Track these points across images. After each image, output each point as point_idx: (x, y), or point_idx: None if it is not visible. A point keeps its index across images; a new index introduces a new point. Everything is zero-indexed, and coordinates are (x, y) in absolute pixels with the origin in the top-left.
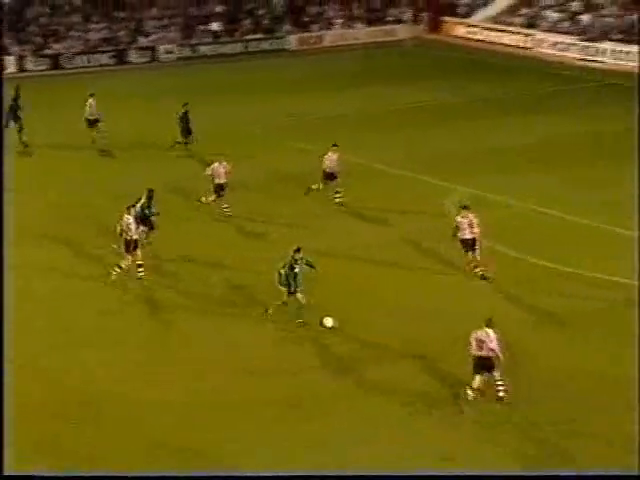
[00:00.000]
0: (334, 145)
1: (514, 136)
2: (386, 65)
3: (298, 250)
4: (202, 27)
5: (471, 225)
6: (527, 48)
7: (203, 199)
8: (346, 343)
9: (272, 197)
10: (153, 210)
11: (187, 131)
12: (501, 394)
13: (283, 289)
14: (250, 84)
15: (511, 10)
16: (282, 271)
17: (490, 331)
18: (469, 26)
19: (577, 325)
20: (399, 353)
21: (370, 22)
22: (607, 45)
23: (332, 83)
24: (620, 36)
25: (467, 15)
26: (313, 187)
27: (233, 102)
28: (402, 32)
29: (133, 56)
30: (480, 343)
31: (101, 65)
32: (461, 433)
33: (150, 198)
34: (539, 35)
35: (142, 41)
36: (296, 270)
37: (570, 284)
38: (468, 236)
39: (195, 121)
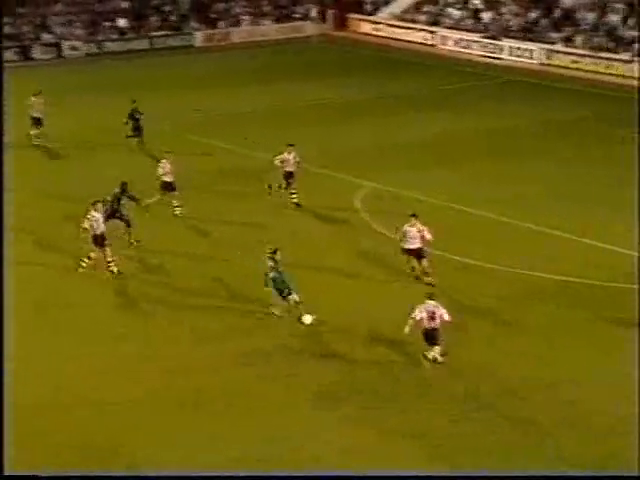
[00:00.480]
0: (290, 145)
1: (421, 132)
2: (294, 62)
3: (275, 252)
4: (108, 23)
5: (421, 234)
6: (431, 45)
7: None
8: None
9: (204, 194)
10: (129, 199)
11: (136, 128)
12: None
13: (276, 293)
14: (157, 80)
15: (415, 7)
16: (275, 274)
17: (435, 302)
18: (375, 23)
19: (489, 318)
20: (319, 351)
21: (277, 19)
22: (508, 42)
23: (239, 79)
24: (520, 34)
25: (373, 12)
26: (277, 187)
27: (140, 98)
28: (309, 29)
29: (37, 52)
30: (432, 315)
31: (6, 61)
32: (374, 428)
33: (124, 191)
34: (443, 32)
35: (46, 37)
36: (276, 275)
37: (479, 277)
38: (415, 245)
39: (103, 117)
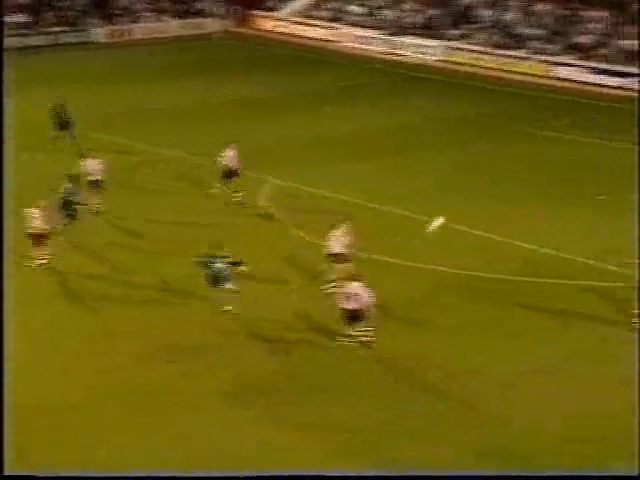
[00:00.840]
0: (231, 142)
1: (327, 128)
2: (197, 59)
3: (220, 250)
4: (5, 19)
5: (343, 238)
6: (334, 41)
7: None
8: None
9: (122, 190)
10: (77, 198)
11: (61, 125)
12: (368, 339)
13: (217, 286)
14: (56, 77)
15: (317, 4)
16: (217, 267)
17: (357, 284)
18: (277, 20)
19: (400, 313)
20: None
21: (179, 15)
22: (408, 39)
23: (143, 76)
24: (420, 30)
25: (275, 9)
26: (217, 187)
27: (39, 96)
28: (211, 25)
29: None
30: (349, 296)
31: None
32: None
33: (72, 185)
34: (344, 29)
35: None
36: (220, 266)
37: (387, 273)
38: (338, 250)
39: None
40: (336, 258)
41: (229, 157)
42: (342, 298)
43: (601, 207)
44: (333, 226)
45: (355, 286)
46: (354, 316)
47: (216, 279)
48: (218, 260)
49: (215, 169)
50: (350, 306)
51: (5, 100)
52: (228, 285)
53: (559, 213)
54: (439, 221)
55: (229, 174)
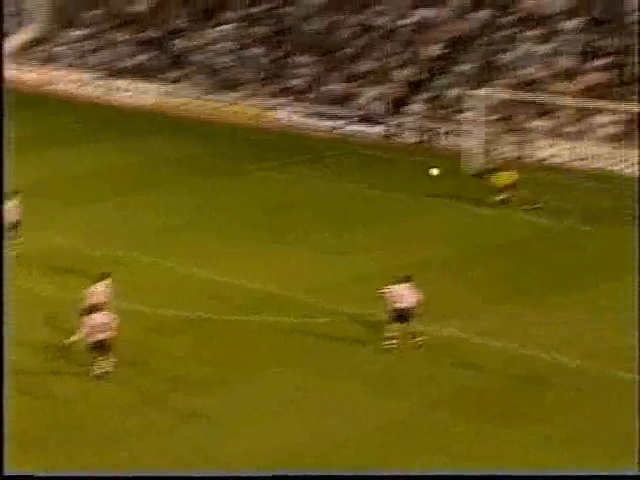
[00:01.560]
0: (15, 192)
1: (49, 170)
2: None
3: None
4: None
5: (104, 292)
6: (47, 84)
7: None
8: None
9: None
10: None
11: None
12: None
13: None
14: None
15: (28, 46)
16: None
17: (107, 313)
18: None
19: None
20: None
21: None
22: (123, 82)
23: None
24: (134, 74)
25: None
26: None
27: None
28: None
29: None
30: (100, 327)
31: None
32: None
33: None
34: (57, 72)
35: None
36: None
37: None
38: (95, 300)
39: None
40: (93, 308)
41: (14, 208)
42: (90, 330)
43: (317, 245)
44: (93, 279)
45: (108, 316)
46: (102, 346)
47: None
48: None
49: None
50: (99, 337)
51: None
52: None
53: (277, 250)
54: (435, 170)
55: (14, 225)
